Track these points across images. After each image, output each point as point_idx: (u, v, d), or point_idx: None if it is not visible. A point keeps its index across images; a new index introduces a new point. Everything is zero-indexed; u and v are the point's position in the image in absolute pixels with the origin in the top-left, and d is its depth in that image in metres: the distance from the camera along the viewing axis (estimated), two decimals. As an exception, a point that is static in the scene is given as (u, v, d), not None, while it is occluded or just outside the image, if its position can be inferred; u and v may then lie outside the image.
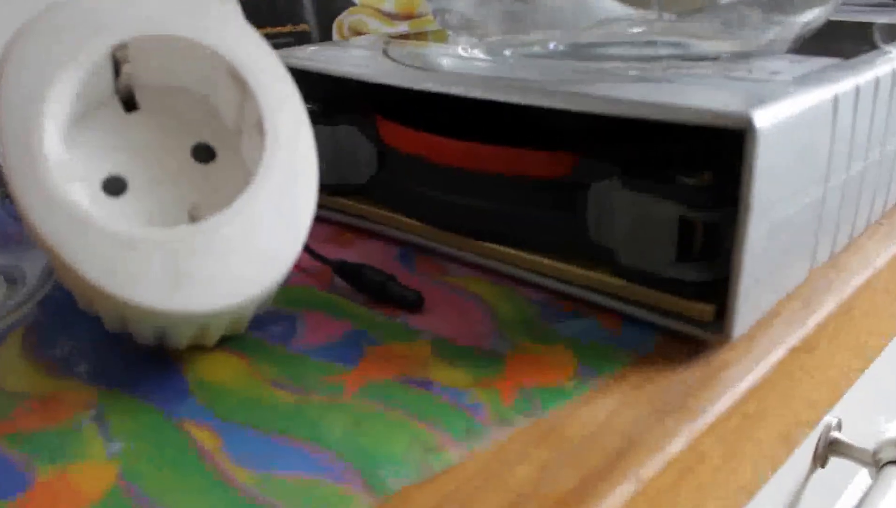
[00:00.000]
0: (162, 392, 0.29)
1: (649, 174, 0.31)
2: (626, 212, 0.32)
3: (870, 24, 0.46)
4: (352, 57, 0.42)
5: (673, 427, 0.27)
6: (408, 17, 0.67)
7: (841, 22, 0.49)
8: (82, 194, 0.28)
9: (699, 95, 0.30)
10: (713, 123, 0.28)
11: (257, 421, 0.27)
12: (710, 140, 0.32)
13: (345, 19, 0.65)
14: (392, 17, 0.67)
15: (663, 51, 0.37)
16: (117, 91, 0.31)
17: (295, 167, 0.29)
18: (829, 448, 0.51)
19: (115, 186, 0.30)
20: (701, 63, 0.37)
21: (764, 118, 0.27)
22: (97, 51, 0.28)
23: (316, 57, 0.42)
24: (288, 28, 0.62)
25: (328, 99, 0.43)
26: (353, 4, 0.65)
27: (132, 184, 0.30)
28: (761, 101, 0.28)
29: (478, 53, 0.41)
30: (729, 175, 0.29)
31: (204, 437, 0.27)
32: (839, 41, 0.42)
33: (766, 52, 0.38)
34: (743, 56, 0.37)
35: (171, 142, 0.31)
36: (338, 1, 0.65)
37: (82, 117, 0.30)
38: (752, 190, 0.27)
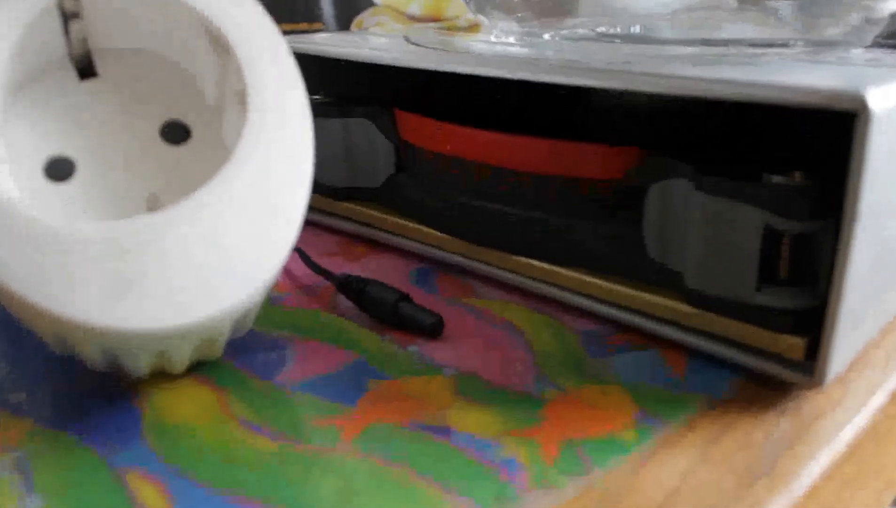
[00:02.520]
0: (107, 432, 0.23)
1: (728, 173, 0.26)
2: (696, 220, 0.27)
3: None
4: (369, 43, 0.37)
5: (765, 496, 0.21)
6: (434, 20, 0.62)
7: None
8: (14, 177, 0.23)
9: (793, 76, 0.24)
10: (818, 105, 0.22)
11: (222, 476, 0.21)
12: (798, 138, 0.28)
13: (365, 20, 0.60)
14: (417, 20, 0.62)
15: (729, 35, 0.32)
16: (71, 54, 0.25)
17: (284, 148, 0.23)
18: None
19: (59, 170, 0.24)
20: (772, 49, 0.32)
21: (879, 100, 0.22)
22: (36, 1, 0.23)
23: (329, 42, 0.37)
24: (303, 26, 0.59)
25: (340, 90, 0.37)
26: (374, 5, 0.60)
27: (81, 167, 0.25)
28: (871, 82, 0.23)
29: (512, 40, 0.36)
30: (820, 181, 0.25)
31: (149, 494, 0.21)
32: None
33: (849, 42, 0.33)
34: (823, 44, 0.32)
35: (135, 117, 0.26)
36: (360, 2, 0.61)
37: (24, 85, 0.24)
38: (861, 190, 0.22)
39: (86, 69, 0.26)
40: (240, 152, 0.22)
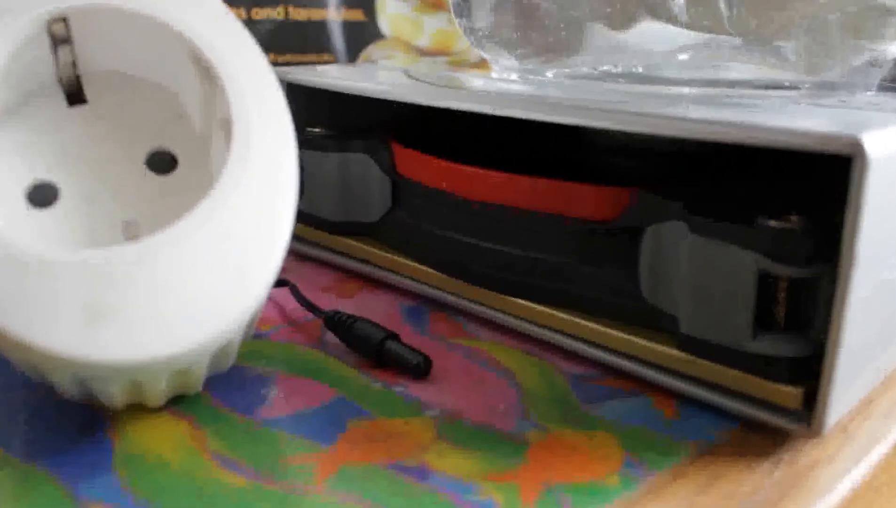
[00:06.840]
0: (76, 463, 0.23)
1: (723, 215, 0.25)
2: (689, 263, 0.26)
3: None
4: (367, 76, 0.37)
5: (754, 551, 0.20)
6: (443, 53, 0.62)
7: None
8: None
9: (791, 119, 0.24)
10: (814, 148, 0.22)
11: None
12: (794, 182, 0.27)
13: (372, 53, 0.60)
14: (425, 53, 0.62)
15: (734, 76, 0.32)
16: (60, 80, 0.25)
17: (268, 179, 0.22)
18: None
19: (42, 196, 0.24)
20: (776, 91, 0.31)
21: (876, 143, 0.21)
22: (25, 24, 0.23)
23: (325, 74, 0.37)
24: (312, 57, 0.58)
25: (338, 123, 0.37)
26: (383, 37, 0.60)
27: (65, 194, 0.24)
28: (869, 126, 0.22)
29: (514, 77, 0.35)
30: (817, 225, 0.24)
31: (116, 530, 0.20)
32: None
33: (854, 85, 0.32)
34: (827, 87, 0.32)
35: (123, 145, 0.25)
36: (369, 34, 0.60)
37: (12, 109, 0.24)
38: (858, 235, 0.22)
39: (75, 95, 0.25)
40: (221, 185, 0.22)
